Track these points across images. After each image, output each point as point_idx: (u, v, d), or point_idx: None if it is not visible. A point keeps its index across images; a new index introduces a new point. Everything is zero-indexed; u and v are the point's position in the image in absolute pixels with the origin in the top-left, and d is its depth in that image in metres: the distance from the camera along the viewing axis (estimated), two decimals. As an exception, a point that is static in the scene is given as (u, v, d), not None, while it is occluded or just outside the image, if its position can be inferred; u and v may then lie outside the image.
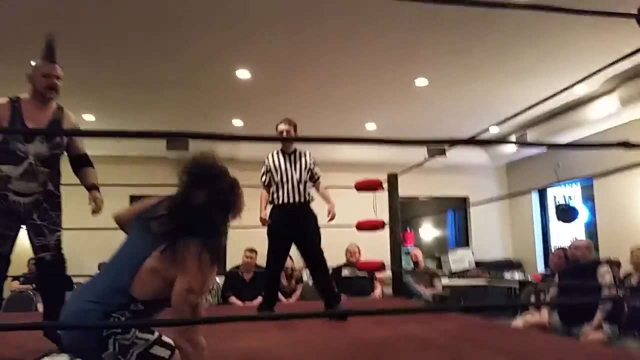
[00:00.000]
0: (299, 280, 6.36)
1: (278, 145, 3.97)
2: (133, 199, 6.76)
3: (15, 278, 6.13)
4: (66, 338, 1.81)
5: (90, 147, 7.98)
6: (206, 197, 1.75)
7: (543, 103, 2.79)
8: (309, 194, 3.83)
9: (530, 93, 5.44)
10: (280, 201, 3.75)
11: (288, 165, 3.81)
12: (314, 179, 3.91)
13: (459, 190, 8.68)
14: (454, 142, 3.66)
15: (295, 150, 3.89)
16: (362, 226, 4.40)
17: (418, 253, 6.84)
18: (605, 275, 3.99)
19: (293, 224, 3.71)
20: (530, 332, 3.62)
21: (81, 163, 2.73)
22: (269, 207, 3.84)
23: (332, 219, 3.85)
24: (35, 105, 2.51)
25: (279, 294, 5.98)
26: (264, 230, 3.79)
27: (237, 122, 7.10)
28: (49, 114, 2.57)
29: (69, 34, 4.34)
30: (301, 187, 3.76)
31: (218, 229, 1.79)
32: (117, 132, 2.13)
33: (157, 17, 4.16)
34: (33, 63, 2.56)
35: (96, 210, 2.66)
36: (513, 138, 7.53)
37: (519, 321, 4.44)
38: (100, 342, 1.63)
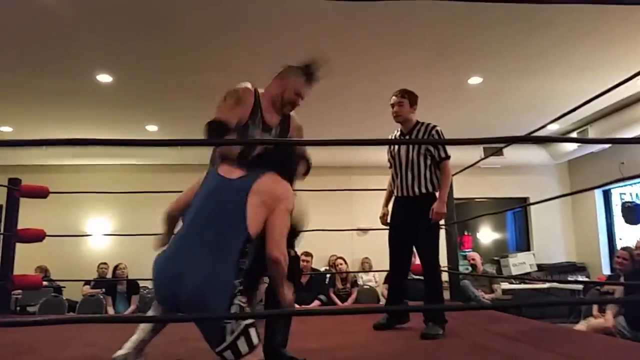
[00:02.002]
0: (354, 283, 6.40)
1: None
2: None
3: (86, 282, 6.47)
4: (196, 306, 1.71)
5: (153, 157, 8.21)
6: (294, 156, 2.22)
7: (604, 98, 2.69)
8: (428, 183, 3.08)
9: (589, 87, 5.22)
10: (396, 193, 3.18)
11: (403, 148, 3.14)
12: (435, 161, 3.09)
13: (519, 190, 8.41)
14: (511, 140, 3.24)
15: (414, 126, 3.17)
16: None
17: (476, 256, 6.72)
18: (674, 277, 3.79)
19: (407, 221, 3.10)
20: (593, 335, 3.48)
21: None
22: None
23: (436, 219, 3.04)
24: (269, 103, 2.50)
25: (336, 298, 6.08)
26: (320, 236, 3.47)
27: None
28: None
29: (128, 42, 4.58)
30: (413, 175, 3.07)
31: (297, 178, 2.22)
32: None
33: (216, 27, 4.31)
34: (293, 67, 2.51)
35: None
36: (574, 135, 7.25)
37: (582, 325, 4.28)
38: (230, 300, 1.71)
